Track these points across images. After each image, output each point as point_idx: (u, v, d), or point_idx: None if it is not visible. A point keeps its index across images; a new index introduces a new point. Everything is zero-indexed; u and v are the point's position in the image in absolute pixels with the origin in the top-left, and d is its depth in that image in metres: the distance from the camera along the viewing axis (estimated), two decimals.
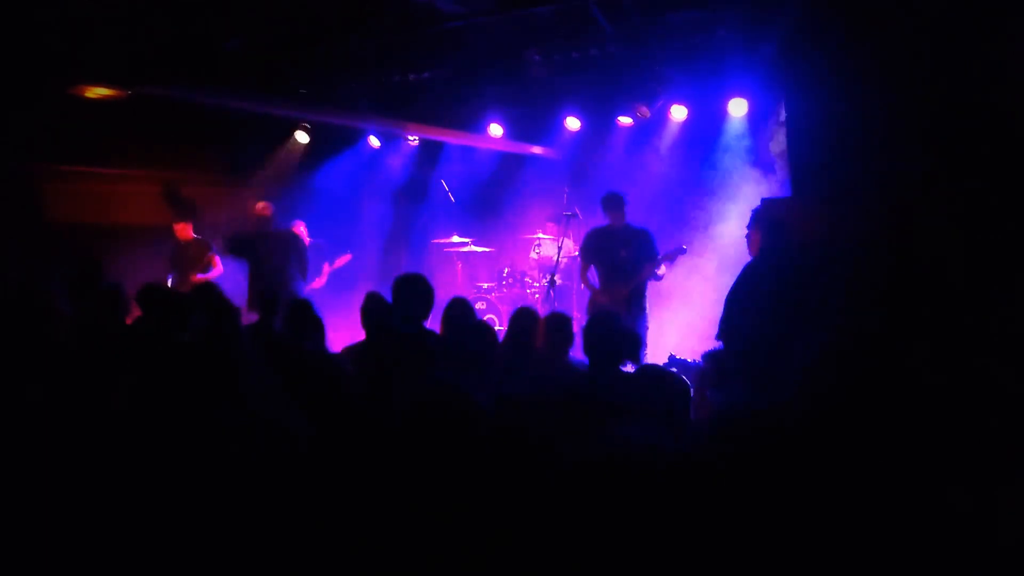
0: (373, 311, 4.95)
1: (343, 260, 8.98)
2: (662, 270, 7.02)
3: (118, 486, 2.62)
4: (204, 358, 3.44)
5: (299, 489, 2.68)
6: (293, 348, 4.84)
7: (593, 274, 7.29)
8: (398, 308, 4.78)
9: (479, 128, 9.80)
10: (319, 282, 8.81)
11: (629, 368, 4.03)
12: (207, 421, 2.66)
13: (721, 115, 8.59)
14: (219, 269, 8.76)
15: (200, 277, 8.44)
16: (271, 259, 7.68)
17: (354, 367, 4.68)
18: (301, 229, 9.26)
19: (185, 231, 8.80)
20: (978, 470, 2.68)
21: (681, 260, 7.27)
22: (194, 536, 2.41)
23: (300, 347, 4.79)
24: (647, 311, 7.14)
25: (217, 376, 3.33)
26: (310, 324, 4.81)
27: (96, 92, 6.37)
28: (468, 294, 8.35)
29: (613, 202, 7.12)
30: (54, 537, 2.43)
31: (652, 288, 7.31)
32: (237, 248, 7.84)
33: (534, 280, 9.71)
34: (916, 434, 2.96)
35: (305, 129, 9.97)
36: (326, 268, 8.95)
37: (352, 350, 4.92)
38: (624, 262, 7.00)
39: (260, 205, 8.06)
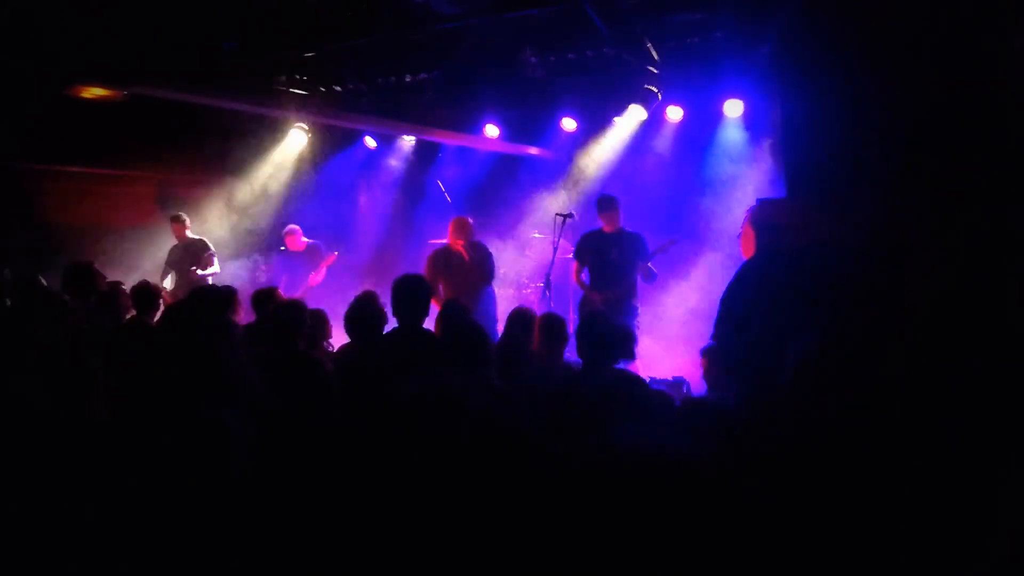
0: (359, 313, 4.99)
1: (330, 260, 9.02)
2: (651, 265, 7.12)
3: (110, 486, 2.63)
4: (195, 356, 3.46)
5: (287, 488, 2.70)
6: (286, 348, 4.85)
7: (586, 275, 7.39)
8: (396, 309, 4.82)
9: (475, 129, 9.82)
10: (315, 279, 8.84)
11: (622, 366, 4.06)
12: (194, 420, 2.68)
13: (717, 116, 8.62)
14: (216, 268, 8.79)
15: (199, 275, 8.48)
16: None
17: (348, 367, 4.70)
18: (296, 232, 9.29)
19: (182, 232, 8.83)
20: (970, 468, 2.71)
21: (676, 259, 7.36)
22: (183, 534, 2.43)
23: (293, 348, 4.81)
24: (638, 309, 7.26)
25: (206, 375, 3.36)
26: (294, 326, 4.82)
27: (93, 93, 6.37)
28: None
29: (607, 204, 7.23)
30: (51, 532, 2.45)
31: (649, 288, 7.40)
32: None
33: (530, 281, 9.73)
34: (909, 433, 2.98)
35: (301, 129, 9.99)
36: (322, 267, 8.99)
37: (345, 350, 4.95)
38: (615, 264, 7.13)
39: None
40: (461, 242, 7.52)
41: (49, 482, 2.61)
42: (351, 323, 4.93)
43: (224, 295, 5.56)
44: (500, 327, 7.41)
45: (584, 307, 7.19)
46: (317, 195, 10.64)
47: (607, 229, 7.28)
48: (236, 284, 7.34)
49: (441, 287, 7.36)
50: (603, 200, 7.28)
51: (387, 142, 10.89)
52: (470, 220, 7.72)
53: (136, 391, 3.28)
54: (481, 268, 7.48)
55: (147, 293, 5.67)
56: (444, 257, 7.51)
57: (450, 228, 7.64)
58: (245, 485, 2.60)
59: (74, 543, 2.44)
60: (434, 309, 5.14)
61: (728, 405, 3.15)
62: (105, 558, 2.41)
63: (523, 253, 10.13)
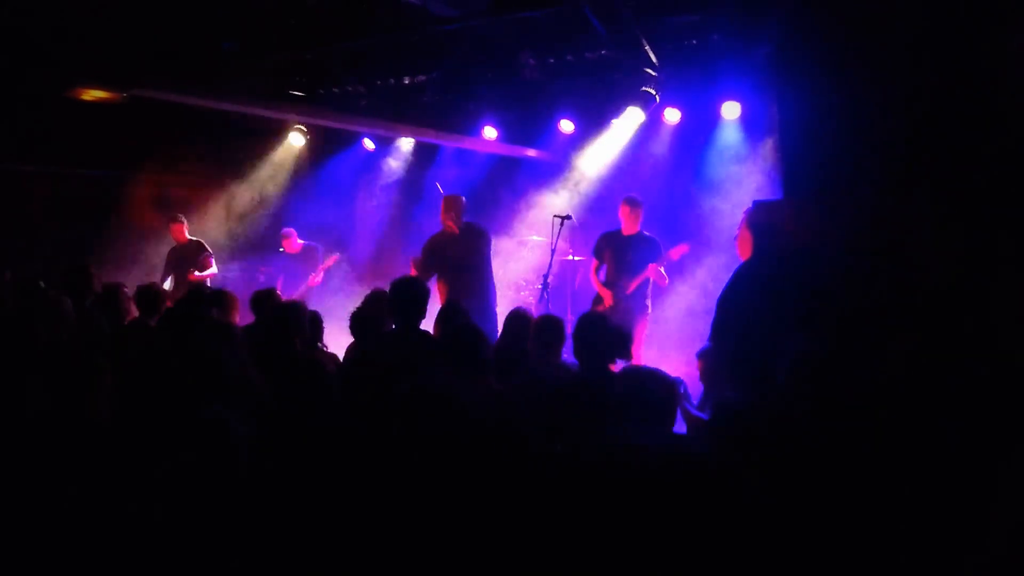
0: (365, 313, 5.01)
1: (331, 261, 9.03)
2: (663, 269, 7.30)
3: (113, 485, 2.64)
4: (195, 357, 3.46)
5: (287, 488, 2.70)
6: (283, 350, 4.86)
7: (603, 273, 7.60)
8: (394, 310, 4.83)
9: (473, 131, 9.82)
10: (314, 281, 8.85)
11: (617, 366, 4.07)
12: (195, 420, 2.68)
13: (714, 118, 8.63)
14: (214, 270, 8.80)
15: (197, 276, 8.48)
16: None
17: (353, 367, 4.71)
18: (291, 235, 9.30)
19: (181, 233, 8.83)
20: (970, 468, 2.72)
21: (674, 260, 7.46)
22: (183, 534, 2.43)
23: (292, 348, 4.81)
24: (649, 308, 7.43)
25: (206, 375, 3.36)
26: (293, 326, 4.82)
27: (92, 95, 6.38)
28: None
29: (633, 204, 7.42)
30: (50, 531, 2.45)
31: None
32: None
33: (528, 282, 9.73)
34: (908, 433, 2.99)
35: (300, 131, 9.99)
36: (321, 269, 8.99)
37: (351, 350, 4.97)
38: (631, 265, 7.32)
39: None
40: (451, 216, 7.23)
41: (51, 482, 2.61)
42: (357, 322, 4.95)
43: (219, 295, 5.57)
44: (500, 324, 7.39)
45: (596, 304, 7.44)
46: (316, 197, 10.65)
47: (626, 231, 7.46)
48: (234, 286, 7.34)
49: (437, 275, 7.19)
50: (629, 200, 7.44)
51: (386, 144, 10.90)
52: (460, 198, 7.39)
53: (137, 392, 3.29)
54: (467, 245, 7.18)
55: (151, 295, 5.68)
56: (434, 240, 7.35)
57: (441, 208, 7.39)
58: (245, 485, 2.60)
59: (76, 543, 2.44)
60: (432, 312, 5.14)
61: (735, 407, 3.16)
62: (106, 558, 2.41)
63: (521, 255, 10.13)
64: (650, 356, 7.45)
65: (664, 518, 2.40)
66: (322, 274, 8.93)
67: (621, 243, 7.47)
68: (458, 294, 6.69)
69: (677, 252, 7.31)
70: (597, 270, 7.65)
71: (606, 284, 7.48)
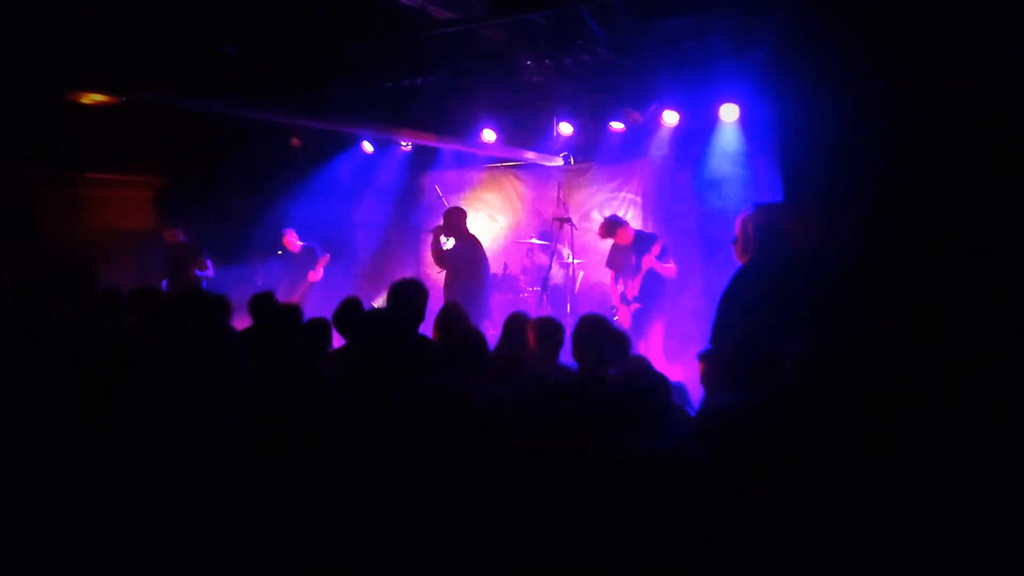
0: (350, 316, 4.99)
1: (323, 262, 9.08)
2: (667, 264, 7.54)
3: (114, 487, 2.63)
4: (195, 359, 3.46)
5: (286, 489, 2.70)
6: (282, 352, 4.85)
7: (622, 283, 7.93)
8: (393, 313, 4.82)
9: (473, 134, 9.84)
10: (314, 277, 8.91)
11: (614, 368, 4.07)
12: (202, 422, 2.68)
13: (712, 120, 8.64)
14: (210, 272, 8.81)
15: (194, 278, 8.50)
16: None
17: (340, 371, 4.69)
18: (291, 236, 9.31)
19: (178, 236, 8.84)
20: (970, 469, 2.72)
21: (685, 261, 7.69)
22: (187, 537, 2.43)
23: (290, 351, 4.80)
24: (657, 305, 7.65)
25: (214, 378, 3.35)
26: (291, 328, 4.81)
27: (91, 98, 6.38)
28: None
29: (611, 226, 7.83)
30: (51, 535, 2.45)
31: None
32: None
33: (527, 285, 9.74)
34: (909, 434, 2.99)
35: (299, 134, 10.01)
36: (319, 267, 9.03)
37: (339, 354, 4.95)
38: (635, 268, 7.67)
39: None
40: (442, 230, 7.72)
41: (51, 484, 2.61)
42: (344, 326, 4.93)
43: (217, 298, 5.56)
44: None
45: (614, 312, 7.86)
46: (315, 199, 10.66)
47: (622, 243, 7.81)
48: (232, 288, 7.35)
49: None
50: (607, 224, 7.84)
51: (384, 146, 10.91)
52: (452, 210, 7.84)
53: (137, 393, 3.28)
54: (454, 261, 7.61)
55: (147, 296, 5.67)
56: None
57: None
58: (245, 485, 2.60)
59: (76, 544, 2.44)
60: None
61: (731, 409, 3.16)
62: (106, 559, 2.41)
63: (520, 258, 10.14)
64: (653, 358, 7.48)
65: (663, 520, 2.40)
66: (321, 271, 8.99)
67: (621, 252, 7.83)
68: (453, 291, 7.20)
69: (656, 248, 7.55)
70: (615, 281, 7.98)
71: (622, 290, 7.85)
